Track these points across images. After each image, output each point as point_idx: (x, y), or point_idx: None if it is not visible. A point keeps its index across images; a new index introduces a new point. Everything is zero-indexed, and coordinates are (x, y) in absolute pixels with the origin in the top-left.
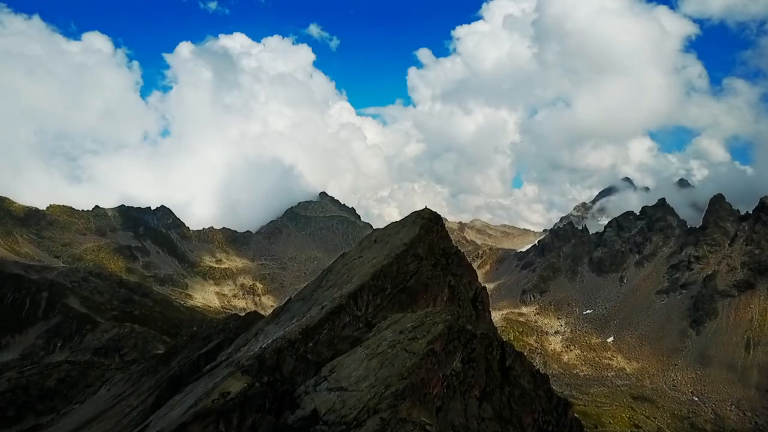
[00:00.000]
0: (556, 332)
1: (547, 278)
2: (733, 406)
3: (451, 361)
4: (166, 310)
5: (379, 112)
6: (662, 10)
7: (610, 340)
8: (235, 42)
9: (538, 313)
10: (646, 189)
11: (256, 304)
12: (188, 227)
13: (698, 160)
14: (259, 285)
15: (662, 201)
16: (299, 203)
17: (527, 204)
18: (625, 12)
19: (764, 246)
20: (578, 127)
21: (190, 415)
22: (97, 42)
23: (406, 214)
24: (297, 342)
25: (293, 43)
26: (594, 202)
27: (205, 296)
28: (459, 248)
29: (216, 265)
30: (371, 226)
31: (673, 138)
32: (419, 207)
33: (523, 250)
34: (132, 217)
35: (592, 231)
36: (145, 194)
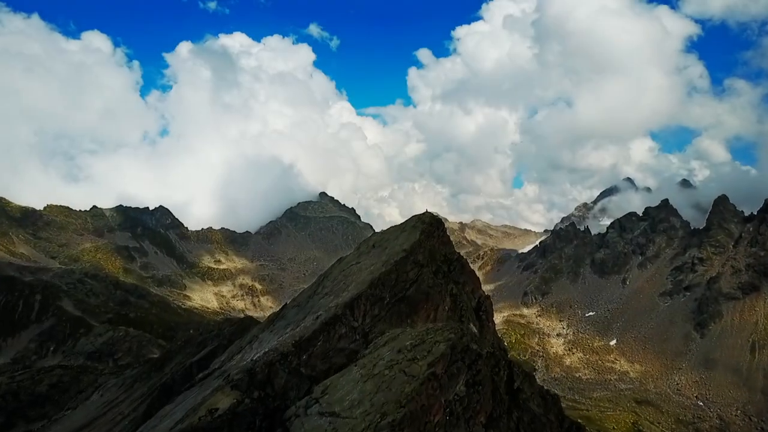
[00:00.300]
0: (558, 335)
1: (548, 280)
2: (739, 411)
3: (454, 384)
4: (163, 312)
5: (380, 112)
6: (663, 10)
7: (612, 342)
8: (235, 41)
9: (539, 315)
10: (648, 189)
11: (255, 305)
12: (187, 227)
13: (699, 161)
14: (258, 286)
15: (665, 202)
16: (299, 203)
17: (528, 204)
18: (625, 12)
19: None
20: (579, 127)
21: None
22: (96, 41)
23: (407, 214)
24: (290, 355)
25: (293, 43)
26: (595, 202)
27: (204, 297)
28: (461, 253)
29: (215, 266)
30: (371, 226)
31: (674, 138)
32: (419, 207)
33: (524, 250)
34: (130, 218)
35: (593, 231)
36: (144, 194)
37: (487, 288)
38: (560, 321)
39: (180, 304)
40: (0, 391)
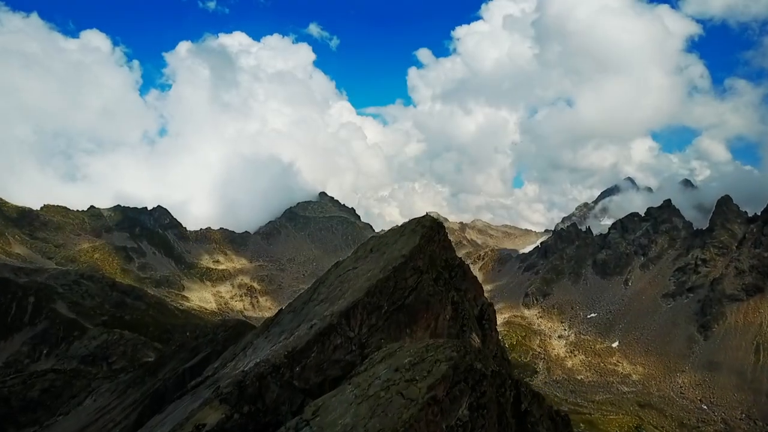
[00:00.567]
0: (560, 336)
1: (550, 281)
2: (743, 414)
3: (457, 408)
4: (160, 314)
5: (380, 111)
6: (664, 10)
7: (614, 344)
8: (234, 41)
9: (540, 317)
10: (649, 189)
11: (253, 305)
12: (185, 227)
13: (700, 161)
14: (257, 286)
15: (668, 202)
16: (298, 203)
17: (528, 204)
18: (626, 11)
19: None
20: (579, 127)
21: None
22: (95, 40)
23: (407, 214)
24: (282, 367)
25: (293, 42)
26: (596, 202)
27: (202, 298)
28: (461, 252)
29: (213, 266)
30: (371, 226)
31: (675, 138)
32: (419, 206)
33: (525, 250)
34: (128, 218)
35: (594, 231)
36: (142, 194)
37: (487, 288)
38: (561, 322)
39: (178, 305)
40: None
